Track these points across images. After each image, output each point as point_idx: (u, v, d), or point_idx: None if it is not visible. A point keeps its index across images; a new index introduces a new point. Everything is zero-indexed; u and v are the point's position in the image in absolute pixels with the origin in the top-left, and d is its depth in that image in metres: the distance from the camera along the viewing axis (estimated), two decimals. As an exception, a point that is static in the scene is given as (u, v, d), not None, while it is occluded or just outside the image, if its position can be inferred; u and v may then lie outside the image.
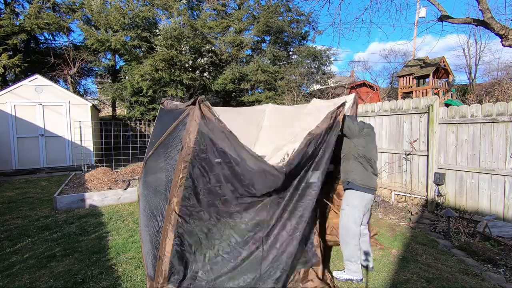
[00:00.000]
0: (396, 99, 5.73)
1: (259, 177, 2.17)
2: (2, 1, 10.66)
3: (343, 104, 2.38)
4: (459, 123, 4.32)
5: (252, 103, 11.78)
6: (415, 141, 4.85)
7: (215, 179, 2.16)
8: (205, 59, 12.13)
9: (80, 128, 7.47)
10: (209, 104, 2.15)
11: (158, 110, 3.39)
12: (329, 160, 2.36)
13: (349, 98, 3.29)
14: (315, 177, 2.32)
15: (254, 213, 2.26)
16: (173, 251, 2.02)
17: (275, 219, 2.28)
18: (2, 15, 10.01)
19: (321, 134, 2.27)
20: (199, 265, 2.11)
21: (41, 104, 7.66)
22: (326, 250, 3.18)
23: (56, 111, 7.87)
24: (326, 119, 2.30)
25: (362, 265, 2.71)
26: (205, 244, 2.14)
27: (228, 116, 2.89)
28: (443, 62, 15.31)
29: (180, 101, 3.47)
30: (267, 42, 13.56)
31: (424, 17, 14.24)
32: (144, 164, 3.07)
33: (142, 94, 10.27)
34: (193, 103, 2.14)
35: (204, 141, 2.11)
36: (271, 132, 4.06)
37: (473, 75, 17.88)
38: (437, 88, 14.99)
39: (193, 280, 2.07)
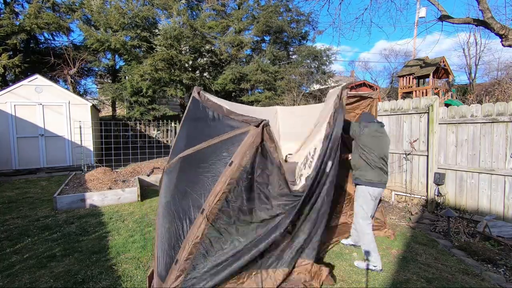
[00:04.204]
0: (396, 99, 5.73)
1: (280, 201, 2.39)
2: (2, 1, 10.64)
3: (342, 89, 2.77)
4: (459, 123, 4.32)
5: (251, 103, 11.77)
6: (415, 141, 4.86)
7: (251, 200, 2.27)
8: (205, 59, 12.13)
9: (80, 128, 7.47)
10: (270, 129, 2.21)
11: (190, 99, 3.09)
12: (338, 151, 2.58)
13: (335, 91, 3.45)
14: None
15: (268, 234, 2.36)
16: (193, 258, 2.05)
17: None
18: (2, 15, 10.00)
19: (330, 133, 2.55)
20: (207, 276, 2.14)
21: (41, 104, 7.65)
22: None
23: (56, 111, 7.86)
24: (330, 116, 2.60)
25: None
26: (216, 257, 2.18)
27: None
28: (443, 62, 15.31)
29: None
30: (267, 42, 13.56)
31: (424, 17, 14.23)
32: (171, 160, 2.90)
33: (141, 94, 10.26)
34: (257, 125, 2.15)
35: (255, 165, 2.19)
36: (291, 137, 4.40)
37: (473, 75, 17.88)
38: (437, 88, 14.98)
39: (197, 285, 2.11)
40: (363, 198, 2.92)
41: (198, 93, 2.97)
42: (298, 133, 4.05)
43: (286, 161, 3.96)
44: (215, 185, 2.12)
